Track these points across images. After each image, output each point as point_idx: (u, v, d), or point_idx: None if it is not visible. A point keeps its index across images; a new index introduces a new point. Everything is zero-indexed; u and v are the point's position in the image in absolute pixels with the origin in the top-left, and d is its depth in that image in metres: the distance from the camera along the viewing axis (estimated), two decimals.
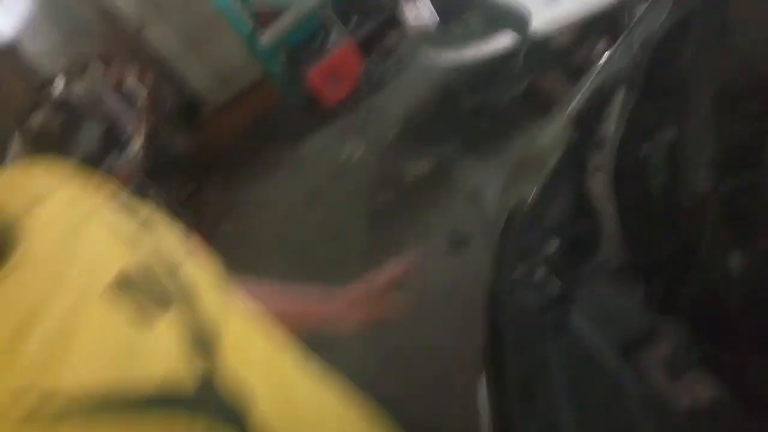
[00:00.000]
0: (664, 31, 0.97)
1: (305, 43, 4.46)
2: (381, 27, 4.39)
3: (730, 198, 0.89)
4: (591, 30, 2.20)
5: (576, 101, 1.15)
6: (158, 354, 0.47)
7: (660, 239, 0.98)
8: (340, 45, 4.21)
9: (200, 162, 5.49)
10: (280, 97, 5.02)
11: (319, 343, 0.76)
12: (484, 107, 2.81)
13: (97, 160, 3.97)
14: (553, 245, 1.02)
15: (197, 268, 0.58)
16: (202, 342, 0.50)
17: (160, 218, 0.62)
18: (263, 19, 4.11)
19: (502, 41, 2.24)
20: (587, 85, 1.14)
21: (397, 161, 3.14)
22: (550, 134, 1.22)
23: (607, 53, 1.13)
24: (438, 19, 2.51)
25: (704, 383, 0.65)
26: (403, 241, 2.59)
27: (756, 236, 0.84)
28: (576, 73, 2.15)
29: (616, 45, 1.11)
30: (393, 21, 4.00)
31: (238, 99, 5.97)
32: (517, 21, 2.12)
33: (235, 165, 5.03)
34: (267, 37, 4.07)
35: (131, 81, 4.74)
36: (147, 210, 0.61)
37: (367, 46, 4.43)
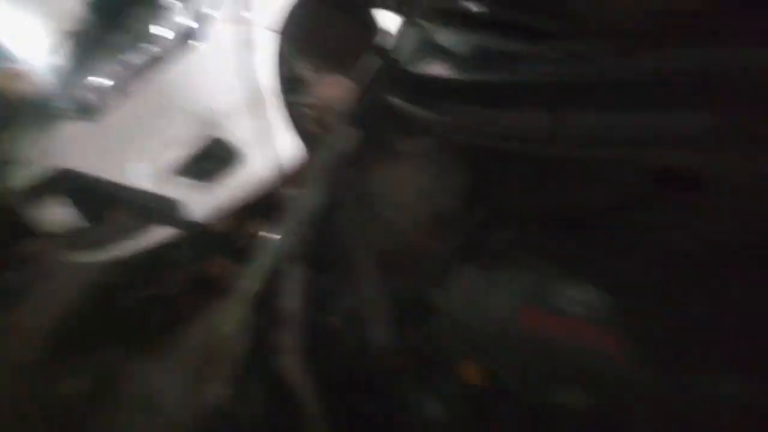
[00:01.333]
0: (321, 208, 1.04)
1: None
2: (10, 235, 3.85)
3: (413, 350, 0.95)
4: (249, 213, 2.32)
5: (251, 283, 1.13)
6: None
7: (363, 407, 0.97)
8: None
9: None
10: None
11: None
12: (149, 302, 2.61)
13: None
14: None
15: None
16: None
17: None
18: None
19: (160, 233, 2.18)
20: (259, 267, 1.13)
21: (44, 383, 2.61)
22: (230, 321, 1.16)
23: (272, 234, 1.16)
24: (81, 219, 2.32)
25: None
26: None
27: (444, 381, 0.90)
28: (242, 255, 2.19)
29: (280, 226, 1.15)
30: (25, 228, 3.54)
31: None
32: (169, 213, 2.12)
33: None
34: None
35: None
36: None
37: None
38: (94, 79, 2.31)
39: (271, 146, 2.00)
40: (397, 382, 0.97)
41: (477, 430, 0.84)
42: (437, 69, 1.00)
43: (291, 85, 2.25)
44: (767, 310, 0.78)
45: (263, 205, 2.10)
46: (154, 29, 2.20)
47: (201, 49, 2.02)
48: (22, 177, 2.46)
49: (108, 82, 2.18)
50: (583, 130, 0.78)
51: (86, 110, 2.23)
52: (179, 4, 2.28)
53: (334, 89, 2.28)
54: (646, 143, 0.75)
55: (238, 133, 2.00)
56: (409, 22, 1.11)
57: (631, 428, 0.71)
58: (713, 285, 0.84)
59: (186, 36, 2.03)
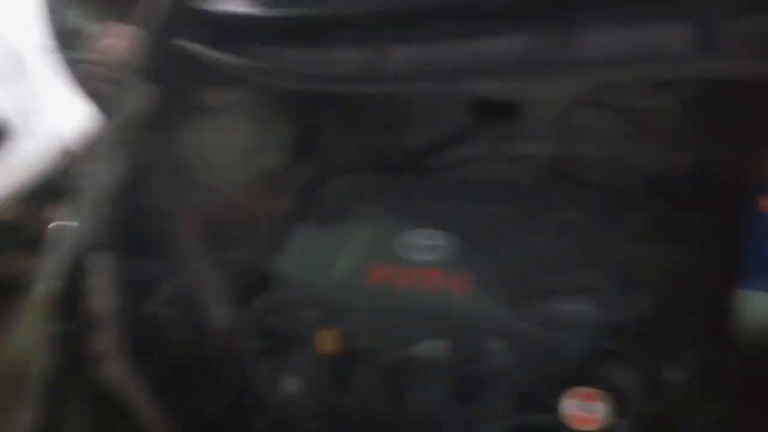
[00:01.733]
0: (124, 182, 0.89)
1: None
2: None
3: (258, 326, 0.87)
4: (35, 197, 2.00)
5: (48, 283, 0.94)
6: None
7: (208, 400, 0.88)
8: None
9: None
10: None
11: None
12: None
13: None
14: None
15: None
16: None
17: None
18: None
19: None
20: (56, 261, 0.95)
21: None
22: (27, 333, 0.97)
23: (68, 220, 0.98)
24: None
25: None
26: None
27: (298, 353, 0.83)
28: (34, 248, 1.90)
29: (74, 208, 0.97)
30: None
31: None
32: None
33: None
34: None
35: None
36: None
37: None
38: None
39: (49, 115, 1.71)
40: (245, 364, 0.89)
41: (337, 399, 0.79)
42: (237, 5, 0.88)
43: (66, 39, 1.93)
44: (593, 228, 0.82)
45: (52, 186, 1.82)
46: None
47: None
48: None
49: None
50: (401, 64, 0.72)
51: None
52: None
53: (119, 39, 2.01)
54: (462, 74, 0.72)
55: (1, 102, 1.68)
56: None
57: (492, 367, 0.70)
58: (541, 210, 0.86)
59: None
